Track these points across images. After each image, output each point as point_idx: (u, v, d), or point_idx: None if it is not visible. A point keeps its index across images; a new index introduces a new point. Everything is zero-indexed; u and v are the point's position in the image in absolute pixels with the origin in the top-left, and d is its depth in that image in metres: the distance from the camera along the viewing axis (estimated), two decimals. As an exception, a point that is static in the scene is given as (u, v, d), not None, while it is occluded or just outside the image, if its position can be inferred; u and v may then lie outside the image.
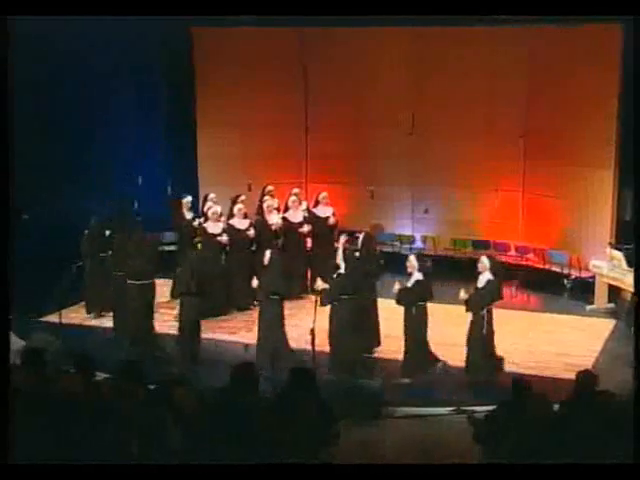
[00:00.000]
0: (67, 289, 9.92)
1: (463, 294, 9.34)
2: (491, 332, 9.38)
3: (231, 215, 12.18)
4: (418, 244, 14.77)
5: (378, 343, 10.37)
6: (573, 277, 13.04)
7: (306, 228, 12.67)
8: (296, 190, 13.36)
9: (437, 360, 9.54)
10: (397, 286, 9.40)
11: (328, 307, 9.64)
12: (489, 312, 9.32)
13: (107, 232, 11.60)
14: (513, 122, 13.82)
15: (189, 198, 12.79)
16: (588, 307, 12.29)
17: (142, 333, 10.19)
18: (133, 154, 14.31)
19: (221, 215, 12.22)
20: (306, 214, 12.91)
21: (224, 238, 11.63)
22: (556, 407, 6.19)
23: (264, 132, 14.75)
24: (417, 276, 9.36)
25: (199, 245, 11.80)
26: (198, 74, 14.67)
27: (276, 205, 12.97)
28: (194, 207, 12.94)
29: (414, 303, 9.30)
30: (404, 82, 14.42)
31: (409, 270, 9.46)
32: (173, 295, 10.48)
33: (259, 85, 14.58)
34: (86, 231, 11.50)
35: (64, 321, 10.14)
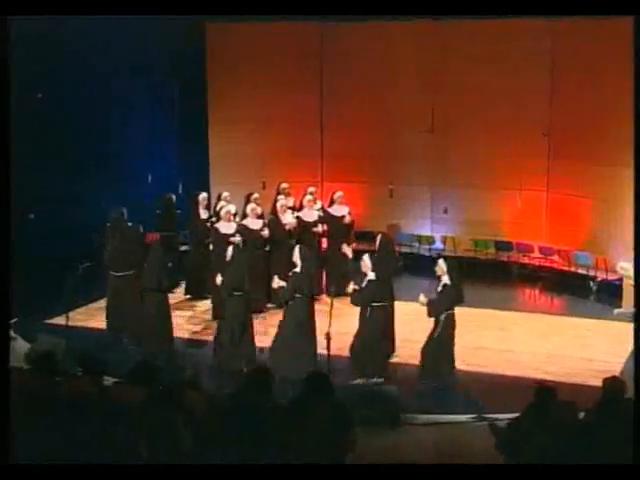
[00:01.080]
0: (74, 291, 9.95)
1: (422, 298, 9.39)
2: (449, 337, 9.34)
3: (244, 215, 12.18)
4: (438, 245, 14.75)
5: (393, 349, 10.33)
6: (599, 279, 12.96)
7: (321, 228, 12.66)
8: (311, 189, 13.35)
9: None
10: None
11: (357, 311, 9.66)
12: (448, 317, 9.27)
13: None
14: (537, 119, 13.76)
15: (204, 195, 12.80)
16: (615, 311, 12.20)
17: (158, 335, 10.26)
18: (143, 152, 14.36)
19: (234, 214, 12.22)
20: (321, 213, 12.90)
21: (237, 238, 11.62)
22: (582, 415, 6.15)
23: (279, 129, 14.79)
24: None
25: (210, 246, 11.81)
26: (210, 69, 14.73)
27: (290, 204, 12.97)
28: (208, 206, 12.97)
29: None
30: (423, 78, 14.40)
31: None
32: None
33: (273, 81, 14.63)
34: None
35: (70, 323, 10.15)
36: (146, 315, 10.12)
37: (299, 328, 9.60)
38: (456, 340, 9.46)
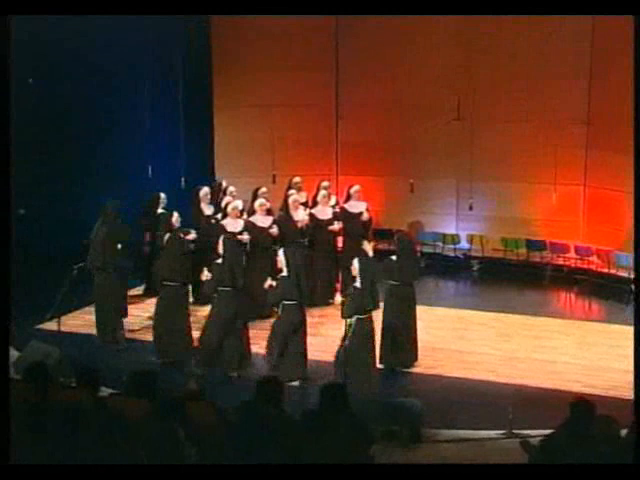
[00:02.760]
0: (67, 293, 10.00)
1: (338, 298, 9.39)
2: (361, 345, 9.39)
3: (252, 211, 12.20)
4: (463, 244, 14.75)
5: (415, 357, 10.35)
6: (642, 283, 12.91)
7: (336, 225, 12.67)
8: (325, 183, 13.34)
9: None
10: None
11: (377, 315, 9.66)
12: (360, 320, 9.33)
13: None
14: (574, 107, 13.74)
15: (207, 189, 12.82)
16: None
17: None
18: (143, 143, 14.38)
19: (242, 211, 12.25)
20: (336, 210, 12.91)
21: (245, 236, 11.66)
22: (623, 432, 6.14)
23: (290, 117, 14.82)
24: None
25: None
26: (215, 50, 14.74)
27: (303, 199, 12.97)
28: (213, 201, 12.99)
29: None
30: (450, 62, 14.40)
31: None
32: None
33: (284, 63, 14.64)
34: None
35: (63, 329, 10.21)
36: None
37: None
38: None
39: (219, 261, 9.97)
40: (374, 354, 9.66)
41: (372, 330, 9.56)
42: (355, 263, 9.56)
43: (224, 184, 12.96)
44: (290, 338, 9.73)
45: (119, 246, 11.00)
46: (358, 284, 9.44)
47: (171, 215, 11.28)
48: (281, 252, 9.94)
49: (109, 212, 11.14)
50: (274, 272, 11.96)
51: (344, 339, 9.20)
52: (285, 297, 9.68)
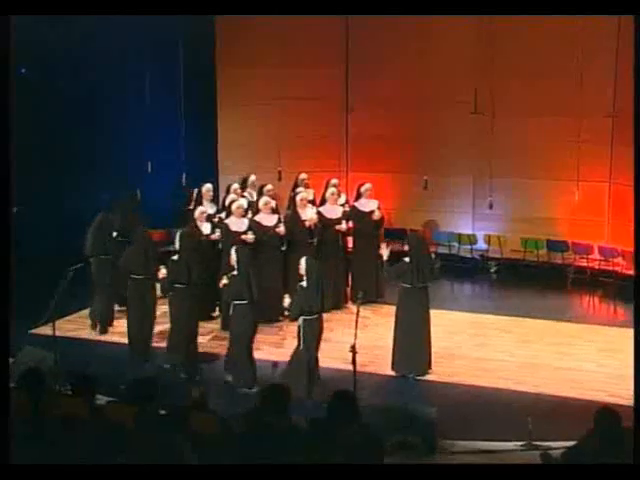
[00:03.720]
0: (62, 296, 10.01)
1: (287, 299, 9.80)
2: (308, 347, 9.60)
3: (257, 210, 12.21)
4: (480, 245, 14.73)
5: (430, 364, 10.34)
6: (671, 286, 12.87)
7: (344, 225, 12.66)
8: (334, 180, 13.35)
9: None
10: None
11: (388, 320, 9.72)
12: (307, 322, 9.55)
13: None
14: (599, 99, 13.69)
15: (209, 186, 12.83)
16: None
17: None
18: (142, 137, 14.39)
19: (247, 209, 12.26)
20: (346, 208, 12.91)
21: (250, 236, 11.66)
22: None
23: (297, 110, 14.81)
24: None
25: (220, 245, 11.87)
26: (219, 41, 14.74)
27: (311, 197, 12.97)
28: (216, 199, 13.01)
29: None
30: (468, 52, 14.38)
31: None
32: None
33: (291, 54, 14.64)
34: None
35: (58, 334, 10.22)
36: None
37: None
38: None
39: (175, 257, 10.30)
40: (317, 357, 9.77)
41: (319, 332, 9.67)
42: (302, 262, 9.79)
43: (233, 185, 12.94)
44: (237, 339, 9.94)
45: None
46: (304, 284, 9.60)
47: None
48: (233, 251, 10.16)
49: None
50: (282, 275, 12.06)
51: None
52: (236, 297, 9.90)
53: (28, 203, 12.83)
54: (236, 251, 10.13)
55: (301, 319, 9.58)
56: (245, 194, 12.88)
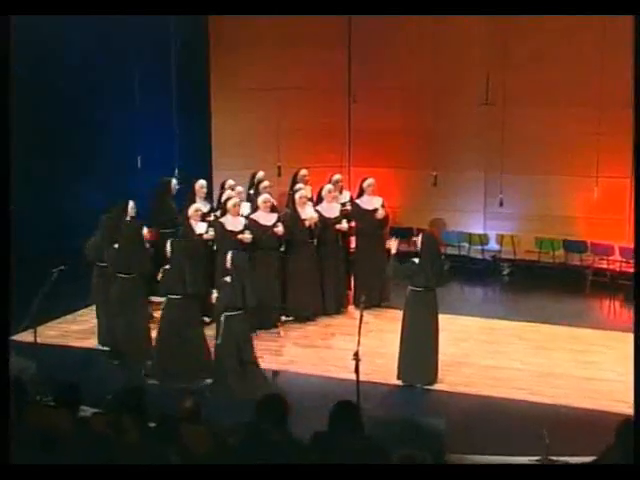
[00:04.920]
0: (45, 300, 10.00)
1: (215, 294, 10.07)
2: (229, 342, 9.90)
3: (254, 208, 12.21)
4: (492, 245, 14.74)
5: (438, 372, 10.33)
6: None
7: (345, 224, 12.66)
8: (337, 176, 13.36)
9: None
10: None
11: (394, 327, 9.75)
12: (229, 319, 9.88)
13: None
14: (619, 88, 13.65)
15: (202, 182, 12.83)
16: None
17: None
18: (132, 130, 14.36)
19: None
20: (347, 207, 12.90)
21: (247, 236, 11.66)
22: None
23: (296, 101, 14.83)
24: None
25: (214, 246, 11.87)
26: (212, 24, 14.72)
27: (310, 195, 12.98)
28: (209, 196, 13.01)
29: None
30: (478, 36, 14.38)
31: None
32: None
33: (289, 39, 14.62)
34: None
35: (40, 340, 10.21)
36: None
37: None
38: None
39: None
40: (241, 356, 9.95)
41: (244, 330, 9.96)
42: (229, 256, 10.00)
43: (229, 182, 12.95)
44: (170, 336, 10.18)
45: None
46: (228, 279, 9.88)
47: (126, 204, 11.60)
48: (229, 256, 10.20)
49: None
50: (280, 277, 12.07)
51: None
52: (169, 291, 10.16)
53: (25, 203, 12.88)
54: (233, 256, 10.12)
55: (223, 315, 9.88)
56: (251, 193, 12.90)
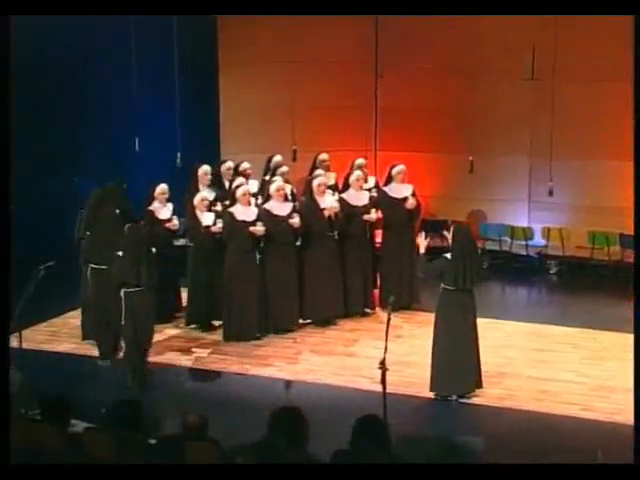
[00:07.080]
0: (31, 301, 10.03)
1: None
2: (130, 320, 10.43)
3: (267, 196, 12.21)
4: (538, 240, 14.72)
5: (477, 384, 10.29)
6: None
7: (373, 215, 12.65)
8: (361, 160, 13.37)
9: None
10: None
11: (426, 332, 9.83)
12: (126, 295, 10.43)
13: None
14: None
15: (206, 168, 12.83)
16: None
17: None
18: (127, 108, 14.40)
19: (255, 196, 12.25)
20: (374, 194, 12.89)
21: (259, 228, 11.67)
22: None
23: (315, 76, 14.87)
24: None
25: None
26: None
27: (332, 182, 12.98)
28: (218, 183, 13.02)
29: None
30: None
31: None
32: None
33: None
34: None
35: (26, 346, 10.25)
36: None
37: None
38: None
39: (120, 253, 10.53)
40: (138, 336, 10.46)
41: (145, 307, 10.41)
42: (125, 228, 10.55)
43: (243, 165, 13.03)
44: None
45: None
46: (120, 253, 10.41)
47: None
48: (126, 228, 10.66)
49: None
50: (296, 274, 12.07)
51: None
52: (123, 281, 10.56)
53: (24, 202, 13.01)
54: (128, 229, 10.56)
55: (122, 291, 10.37)
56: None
